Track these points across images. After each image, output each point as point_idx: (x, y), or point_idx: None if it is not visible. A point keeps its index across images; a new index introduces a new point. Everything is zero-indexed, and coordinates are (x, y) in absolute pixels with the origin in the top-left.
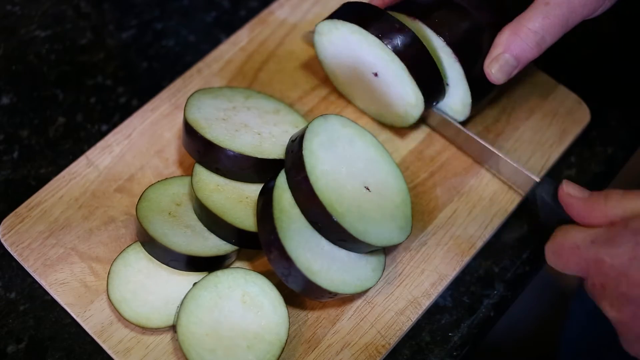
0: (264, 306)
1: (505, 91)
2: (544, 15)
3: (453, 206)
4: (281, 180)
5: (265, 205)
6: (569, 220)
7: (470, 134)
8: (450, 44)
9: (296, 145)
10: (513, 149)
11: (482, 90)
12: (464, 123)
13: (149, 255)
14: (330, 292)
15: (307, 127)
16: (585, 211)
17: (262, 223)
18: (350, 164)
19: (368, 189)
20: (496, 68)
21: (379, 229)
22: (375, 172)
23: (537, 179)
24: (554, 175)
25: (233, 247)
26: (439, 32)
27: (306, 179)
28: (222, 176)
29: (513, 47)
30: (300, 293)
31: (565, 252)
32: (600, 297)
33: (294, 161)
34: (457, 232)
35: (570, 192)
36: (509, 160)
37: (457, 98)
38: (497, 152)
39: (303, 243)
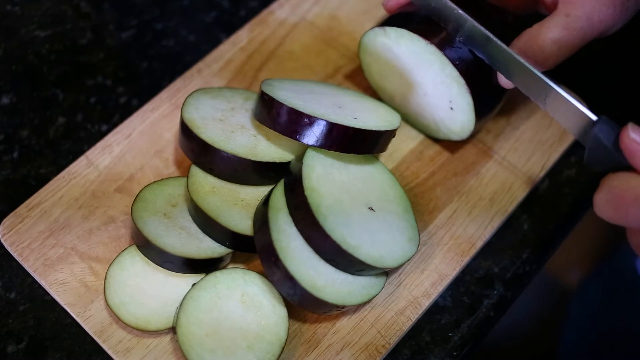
0: (264, 306)
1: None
2: (564, 26)
3: (453, 206)
4: (274, 200)
5: (262, 228)
6: (625, 168)
7: (528, 65)
8: (464, 75)
9: (295, 185)
10: (513, 149)
11: (483, 117)
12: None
13: (145, 258)
14: (337, 306)
15: (301, 162)
16: None
17: (262, 246)
18: (350, 188)
19: (372, 209)
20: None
21: (392, 249)
22: (373, 187)
23: (594, 117)
24: (554, 175)
25: (227, 249)
26: (454, 63)
27: (315, 221)
28: (217, 177)
29: (529, 54)
30: (307, 310)
31: (624, 202)
32: None
33: (297, 203)
34: (457, 232)
35: (637, 138)
36: (565, 95)
37: (457, 123)
38: (554, 86)
39: (305, 260)
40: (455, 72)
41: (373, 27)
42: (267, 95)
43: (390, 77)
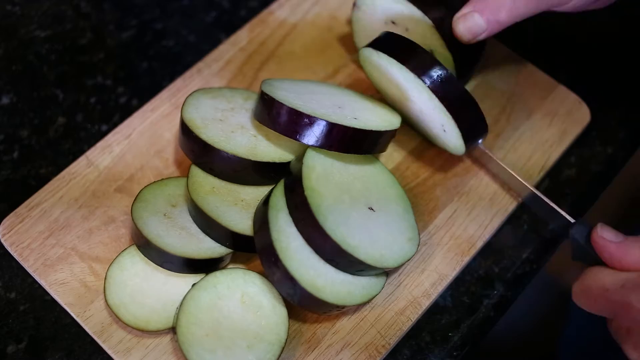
0: (264, 306)
1: (506, 91)
2: None
3: (453, 206)
4: (274, 201)
5: (262, 228)
6: (601, 263)
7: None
8: (451, 110)
9: (295, 185)
10: (513, 149)
11: (475, 140)
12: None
13: (145, 258)
14: (337, 306)
15: (302, 162)
16: (618, 255)
17: (262, 246)
18: (350, 188)
19: (372, 209)
20: (463, 26)
21: (392, 249)
22: (373, 187)
23: (572, 220)
24: (554, 175)
25: (227, 249)
26: (441, 98)
27: (315, 221)
28: (217, 177)
29: (484, 7)
30: (307, 310)
31: (593, 293)
32: (625, 339)
33: (297, 203)
34: (457, 232)
35: (604, 235)
36: (545, 200)
37: (451, 143)
38: (533, 189)
39: (305, 260)
40: (441, 106)
41: (369, 45)
42: (267, 95)
43: (390, 88)
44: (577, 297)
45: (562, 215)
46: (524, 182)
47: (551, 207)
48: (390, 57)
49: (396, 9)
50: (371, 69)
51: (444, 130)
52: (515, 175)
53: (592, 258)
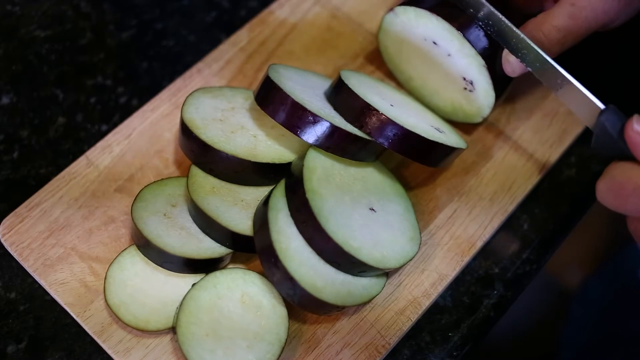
0: (263, 306)
1: (506, 91)
2: (570, 15)
3: (453, 206)
4: (274, 201)
5: (261, 229)
6: (629, 157)
7: (545, 55)
8: (482, 54)
9: (297, 186)
10: (513, 149)
11: (501, 92)
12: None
13: (145, 258)
14: (337, 306)
15: (302, 164)
16: None
17: (261, 247)
18: (350, 189)
19: (373, 210)
20: (513, 60)
21: (394, 249)
22: (374, 187)
23: (602, 106)
24: (554, 175)
25: (227, 249)
26: (473, 44)
27: (317, 224)
28: (217, 177)
29: (533, 41)
30: (307, 310)
31: (625, 192)
32: None
33: (298, 205)
34: (457, 232)
35: (639, 130)
36: (576, 84)
37: (479, 97)
38: (566, 75)
39: (305, 261)
40: (473, 51)
41: (405, 4)
42: (274, 83)
43: (410, 52)
44: (603, 196)
45: (591, 100)
46: (558, 68)
47: (580, 92)
48: (429, 11)
49: (443, 34)
50: (393, 39)
51: (469, 90)
52: (551, 62)
53: (617, 150)
